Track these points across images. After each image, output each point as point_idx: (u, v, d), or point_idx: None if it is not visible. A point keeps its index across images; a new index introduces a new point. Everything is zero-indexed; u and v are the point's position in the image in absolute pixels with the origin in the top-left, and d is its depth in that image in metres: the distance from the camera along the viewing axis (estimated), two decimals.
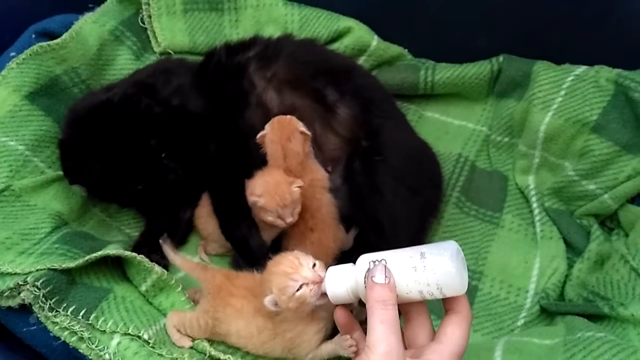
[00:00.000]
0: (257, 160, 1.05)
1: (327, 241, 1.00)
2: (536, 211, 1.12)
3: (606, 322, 0.85)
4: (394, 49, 1.34)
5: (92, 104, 1.05)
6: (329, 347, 0.79)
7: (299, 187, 0.97)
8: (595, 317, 0.87)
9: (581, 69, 1.11)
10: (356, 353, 0.73)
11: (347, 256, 0.97)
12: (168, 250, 0.90)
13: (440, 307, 0.68)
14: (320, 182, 1.03)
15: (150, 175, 1.03)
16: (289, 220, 0.96)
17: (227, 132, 1.09)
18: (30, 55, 1.10)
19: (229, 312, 0.84)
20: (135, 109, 1.02)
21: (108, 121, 1.01)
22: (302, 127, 1.01)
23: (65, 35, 1.15)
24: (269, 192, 0.95)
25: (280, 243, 1.05)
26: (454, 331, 0.64)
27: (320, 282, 0.72)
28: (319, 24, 1.31)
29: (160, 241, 0.91)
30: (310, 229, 1.00)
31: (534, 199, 1.13)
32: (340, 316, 0.73)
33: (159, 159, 1.03)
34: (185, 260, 0.91)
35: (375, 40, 1.32)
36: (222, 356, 0.83)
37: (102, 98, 1.04)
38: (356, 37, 1.31)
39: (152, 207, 1.12)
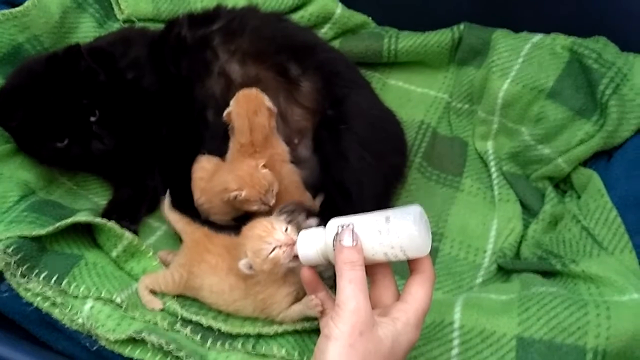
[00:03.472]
0: (217, 134, 1.05)
1: None
2: (494, 175, 1.14)
3: (559, 278, 0.88)
4: (358, 17, 1.34)
5: (38, 58, 1.05)
6: (298, 308, 0.82)
7: (264, 165, 0.96)
8: (549, 274, 0.91)
9: (538, 37, 1.13)
10: (322, 313, 0.75)
11: None
12: (167, 200, 0.99)
13: (404, 269, 0.71)
14: (279, 156, 1.02)
15: (73, 133, 1.00)
16: (272, 203, 0.95)
17: (179, 114, 1.09)
18: None
19: (203, 267, 0.86)
20: (75, 65, 1.00)
21: (44, 72, 1.00)
22: (267, 101, 1.00)
23: (27, 3, 1.13)
24: (247, 183, 0.93)
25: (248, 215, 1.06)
26: (418, 291, 0.67)
27: (292, 244, 0.74)
28: None
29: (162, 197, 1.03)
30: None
31: (492, 163, 1.15)
32: (306, 275, 0.74)
33: (86, 120, 1.01)
34: (174, 212, 0.97)
35: (339, 8, 1.32)
36: (193, 317, 0.84)
37: (50, 53, 1.04)
38: (320, 5, 1.31)
39: (116, 174, 1.12)
